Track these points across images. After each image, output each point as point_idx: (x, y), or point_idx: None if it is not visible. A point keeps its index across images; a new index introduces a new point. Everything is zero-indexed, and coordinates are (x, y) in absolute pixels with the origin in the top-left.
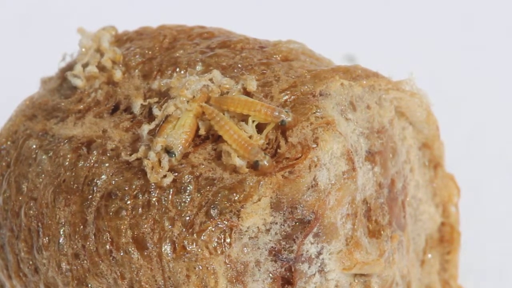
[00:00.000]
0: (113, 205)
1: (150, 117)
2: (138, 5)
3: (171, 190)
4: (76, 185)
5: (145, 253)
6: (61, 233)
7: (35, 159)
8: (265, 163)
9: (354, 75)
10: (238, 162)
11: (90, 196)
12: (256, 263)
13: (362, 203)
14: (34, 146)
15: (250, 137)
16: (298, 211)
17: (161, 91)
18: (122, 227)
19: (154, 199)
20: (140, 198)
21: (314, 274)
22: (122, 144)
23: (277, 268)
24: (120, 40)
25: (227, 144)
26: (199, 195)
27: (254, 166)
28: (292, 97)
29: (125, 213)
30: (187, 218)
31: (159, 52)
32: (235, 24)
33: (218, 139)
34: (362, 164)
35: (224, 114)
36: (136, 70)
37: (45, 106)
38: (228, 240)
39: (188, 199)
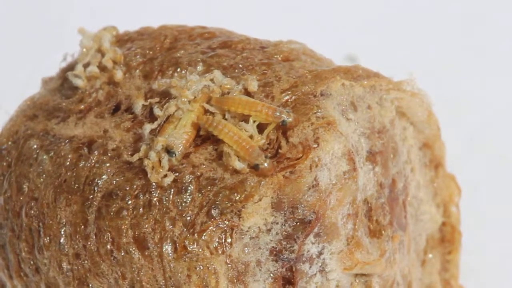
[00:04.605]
0: (114, 205)
1: (151, 117)
2: (139, 5)
3: (172, 190)
4: (77, 185)
5: (146, 253)
6: (62, 233)
7: (36, 159)
8: (266, 165)
9: (355, 75)
10: (239, 165)
11: (91, 196)
12: (257, 263)
13: (363, 203)
14: (35, 146)
15: (251, 137)
16: (299, 211)
17: (161, 90)
18: (123, 227)
19: (155, 199)
20: (141, 198)
21: (315, 274)
22: (123, 144)
23: (278, 268)
24: (121, 40)
25: (228, 146)
26: (200, 195)
27: (254, 168)
28: (293, 97)
29: (126, 213)
30: (188, 218)
31: (160, 52)
32: (236, 24)
33: (219, 139)
34: (363, 164)
35: (225, 114)
36: (137, 70)
37: (46, 106)
38: (229, 240)
39: (189, 199)
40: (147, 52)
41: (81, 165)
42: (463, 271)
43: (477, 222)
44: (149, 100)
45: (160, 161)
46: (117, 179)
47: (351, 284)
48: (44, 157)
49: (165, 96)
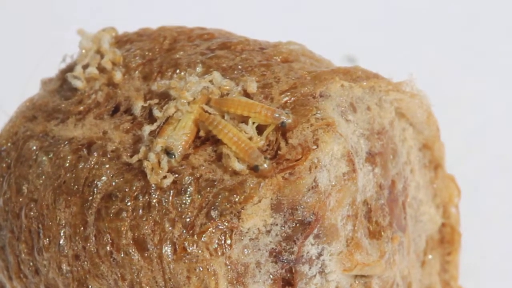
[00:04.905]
0: (114, 207)
1: (151, 118)
2: (138, 6)
3: (171, 191)
4: (76, 187)
5: (146, 254)
6: (62, 234)
7: (35, 160)
8: (265, 166)
9: (354, 77)
10: (238, 166)
11: (91, 198)
12: (257, 265)
13: (363, 204)
14: (35, 148)
15: (250, 138)
16: (299, 212)
17: (161, 92)
18: (122, 228)
19: (154, 200)
20: (141, 199)
21: (315, 275)
22: (123, 145)
23: (278, 270)
24: (120, 41)
25: (227, 147)
26: (199, 196)
27: (254, 169)
28: (292, 98)
29: (126, 215)
30: (188, 219)
31: (159, 54)
32: (235, 25)
33: (218, 140)
34: (362, 165)
35: (224, 115)
36: (136, 72)
37: (46, 107)
38: (228, 241)
39: (189, 201)
40: (146, 53)
41: (80, 166)
42: (463, 272)
43: (476, 223)
44: (148, 101)
45: (159, 163)
46: (116, 180)
47: (351, 285)
48: (44, 158)
49: (165, 97)
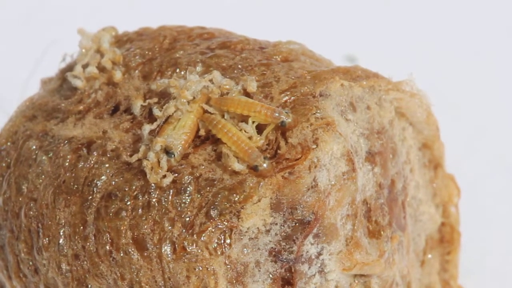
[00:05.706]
0: (113, 206)
1: (150, 117)
2: (138, 5)
3: (171, 191)
4: (76, 186)
5: (145, 254)
6: (61, 234)
7: (35, 160)
8: (265, 166)
9: (354, 76)
10: (237, 166)
11: (90, 197)
12: (256, 264)
13: (362, 203)
14: (34, 147)
15: (250, 137)
16: (298, 211)
17: (160, 91)
18: (122, 227)
19: (154, 200)
20: (140, 198)
21: (314, 275)
22: (122, 145)
23: (277, 269)
24: (120, 40)
25: (227, 147)
26: (199, 196)
27: (253, 169)
28: (292, 98)
29: (125, 214)
30: (187, 219)
31: (159, 53)
32: (235, 24)
33: (218, 140)
34: (362, 164)
35: (224, 115)
36: (136, 71)
37: (45, 107)
38: (228, 241)
39: (188, 200)
40: (146, 52)
41: (80, 166)
42: (462, 272)
43: (476, 222)
44: (147, 101)
45: (159, 162)
46: (116, 180)
47: (350, 285)
48: (43, 158)
49: (164, 96)
